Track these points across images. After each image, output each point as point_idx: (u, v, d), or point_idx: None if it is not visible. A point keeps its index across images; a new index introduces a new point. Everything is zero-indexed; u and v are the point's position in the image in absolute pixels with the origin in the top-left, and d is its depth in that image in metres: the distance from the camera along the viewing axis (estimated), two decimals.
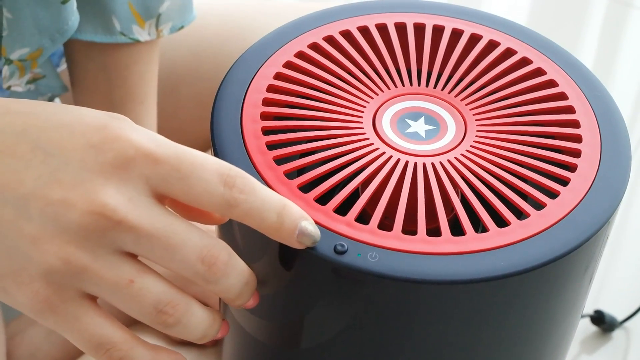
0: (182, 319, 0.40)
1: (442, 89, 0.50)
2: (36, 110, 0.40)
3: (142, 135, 0.40)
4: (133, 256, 0.40)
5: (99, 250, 0.39)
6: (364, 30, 0.52)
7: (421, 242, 0.42)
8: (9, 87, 0.66)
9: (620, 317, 1.02)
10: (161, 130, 0.79)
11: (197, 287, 0.43)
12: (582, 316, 1.01)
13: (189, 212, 0.43)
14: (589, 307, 1.03)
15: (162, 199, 0.40)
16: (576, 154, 0.47)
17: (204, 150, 0.83)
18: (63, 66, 0.77)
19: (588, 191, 0.45)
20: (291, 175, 0.46)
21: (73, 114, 0.40)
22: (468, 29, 0.52)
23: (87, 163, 0.39)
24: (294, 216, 0.41)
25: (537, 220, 0.43)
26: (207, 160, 0.40)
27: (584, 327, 1.02)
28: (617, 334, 1.03)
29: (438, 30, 0.53)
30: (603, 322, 1.01)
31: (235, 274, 0.41)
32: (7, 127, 0.40)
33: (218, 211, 0.40)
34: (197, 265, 0.39)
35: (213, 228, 0.49)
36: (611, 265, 1.11)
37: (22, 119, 0.40)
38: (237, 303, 0.42)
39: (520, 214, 0.44)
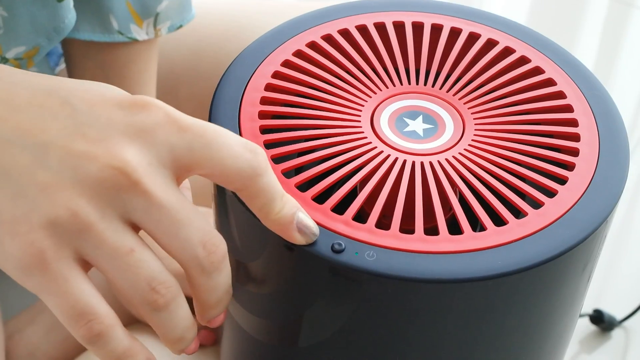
0: (170, 304, 0.39)
1: (440, 88, 0.50)
2: (65, 79, 0.40)
3: (169, 106, 0.40)
4: (137, 230, 0.39)
5: (108, 211, 0.38)
6: (363, 29, 0.52)
7: (419, 241, 0.42)
8: None
9: (619, 316, 1.02)
10: None
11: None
12: (582, 315, 1.01)
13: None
14: (588, 307, 1.03)
15: (179, 178, 0.40)
16: (574, 152, 0.47)
17: None
18: (61, 66, 0.77)
19: (586, 190, 0.45)
20: (289, 174, 0.46)
21: (102, 85, 0.40)
22: (467, 28, 0.52)
23: (115, 122, 0.39)
24: (292, 203, 0.41)
25: (535, 219, 0.43)
26: (228, 131, 0.40)
27: (583, 326, 1.02)
28: (616, 333, 1.03)
29: (436, 29, 0.53)
30: (602, 322, 1.01)
31: (225, 273, 0.40)
32: (39, 84, 0.39)
33: (242, 178, 0.39)
34: (198, 248, 0.39)
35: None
36: (610, 264, 1.11)
37: (53, 82, 0.40)
38: (211, 312, 0.41)
39: (518, 213, 0.44)
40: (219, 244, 0.40)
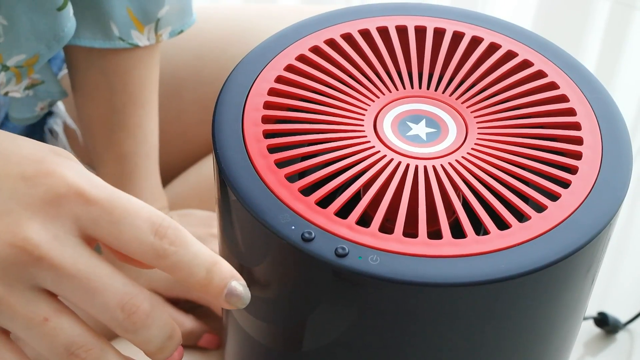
0: None
1: (443, 92, 0.50)
2: None
3: (78, 174, 0.39)
4: (53, 295, 0.39)
5: (17, 284, 0.38)
6: (365, 34, 0.52)
7: (422, 244, 0.42)
8: (6, 93, 0.66)
9: (624, 319, 1.02)
10: (164, 134, 0.79)
11: (196, 293, 0.42)
12: (586, 318, 1.01)
13: (122, 255, 0.41)
14: (592, 309, 1.02)
15: (91, 240, 0.39)
16: (577, 156, 0.47)
17: (205, 153, 0.83)
18: (64, 71, 0.77)
19: (589, 193, 0.45)
20: (292, 178, 0.46)
21: (13, 143, 0.39)
22: (469, 32, 0.52)
23: (17, 194, 0.38)
24: (224, 274, 0.40)
25: (538, 223, 0.43)
26: (141, 207, 0.39)
27: (588, 329, 1.02)
28: (620, 335, 1.02)
29: (439, 33, 0.53)
30: (607, 324, 1.01)
31: (156, 326, 0.39)
32: None
33: (146, 260, 0.39)
34: (116, 312, 0.39)
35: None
36: (615, 267, 1.11)
37: None
38: (158, 357, 0.41)
39: (521, 217, 0.44)
40: (140, 303, 0.39)
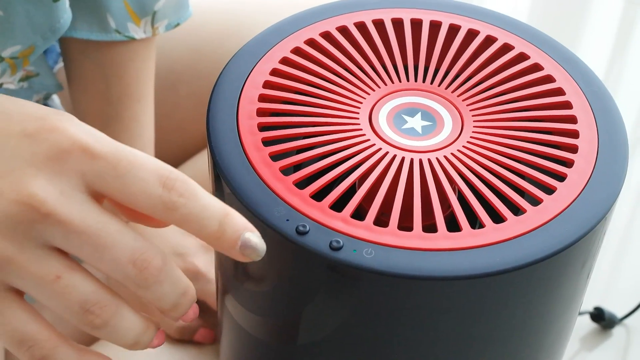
0: (110, 321, 0.38)
1: (439, 85, 0.50)
2: None
3: (81, 128, 0.38)
4: (63, 252, 0.39)
5: (26, 243, 0.37)
6: (361, 26, 0.52)
7: (417, 238, 0.42)
8: (0, 85, 0.66)
9: (620, 314, 1.02)
10: (160, 128, 0.79)
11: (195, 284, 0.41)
12: (582, 313, 1.01)
13: (131, 213, 0.41)
14: (588, 304, 1.02)
15: (99, 197, 0.39)
16: (573, 149, 0.47)
17: (201, 148, 0.83)
18: (60, 64, 0.77)
19: (585, 187, 0.45)
20: (287, 171, 0.45)
21: (14, 103, 0.39)
22: (465, 25, 0.52)
23: (20, 152, 0.37)
24: (237, 226, 0.39)
25: (533, 216, 0.43)
26: (146, 160, 0.38)
27: (584, 324, 1.02)
28: (617, 331, 1.02)
29: (435, 26, 0.52)
30: (603, 319, 1.01)
31: (169, 281, 0.39)
32: None
33: (155, 213, 0.38)
34: (127, 268, 0.38)
35: None
36: (611, 262, 1.11)
37: None
38: (173, 314, 0.40)
39: (516, 210, 0.44)
40: (152, 258, 0.38)
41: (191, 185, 0.38)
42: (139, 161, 0.38)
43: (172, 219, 0.38)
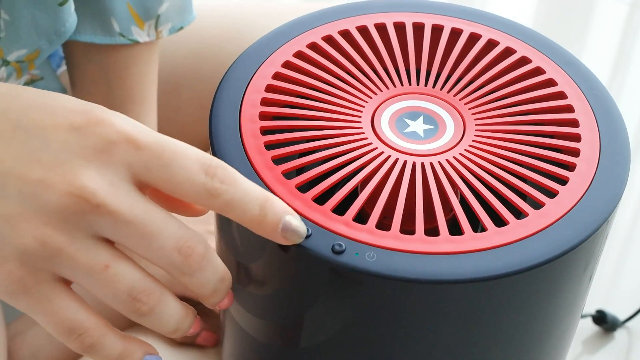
0: (155, 308, 0.40)
1: (441, 89, 0.50)
2: (19, 92, 0.40)
3: (125, 121, 0.39)
4: (110, 242, 0.40)
5: (76, 233, 0.38)
6: (363, 30, 0.52)
7: (419, 241, 0.42)
8: None
9: (622, 316, 1.02)
10: (161, 132, 0.79)
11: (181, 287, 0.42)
12: (584, 316, 1.01)
13: (170, 202, 0.42)
14: (590, 307, 1.02)
15: (143, 187, 0.40)
16: (575, 153, 0.47)
17: (204, 151, 0.83)
18: (63, 68, 0.77)
19: (587, 190, 0.45)
20: (289, 175, 0.46)
21: (54, 98, 0.40)
22: (467, 29, 0.52)
23: (69, 145, 0.38)
24: (278, 210, 0.40)
25: (535, 220, 0.43)
26: (189, 149, 0.40)
27: (586, 327, 1.02)
28: (619, 333, 1.02)
29: (437, 30, 0.53)
30: (605, 322, 1.01)
31: (211, 268, 0.40)
32: None
33: (198, 201, 0.39)
34: (173, 255, 0.39)
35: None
36: (613, 265, 1.11)
37: (4, 99, 0.39)
38: (211, 301, 0.41)
39: (518, 214, 0.44)
40: (196, 245, 0.39)
41: (231, 171, 0.40)
42: (181, 150, 0.39)
43: (215, 205, 0.39)
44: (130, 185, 0.39)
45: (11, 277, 0.38)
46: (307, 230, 0.41)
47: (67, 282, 0.40)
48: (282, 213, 0.40)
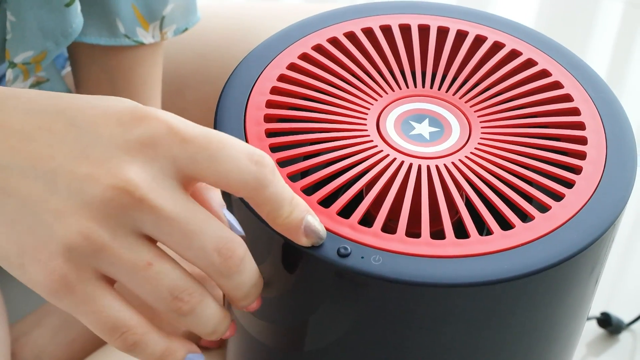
0: (196, 308, 0.40)
1: (447, 91, 0.50)
2: (75, 97, 0.41)
3: (170, 116, 0.40)
4: (152, 241, 0.40)
5: (119, 230, 0.38)
6: (368, 32, 0.52)
7: (425, 245, 0.42)
8: None
9: (627, 319, 1.02)
10: None
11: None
12: (589, 318, 1.01)
13: None
14: (595, 309, 1.02)
15: (187, 185, 0.40)
16: (581, 156, 0.46)
17: None
18: (67, 69, 0.77)
19: (593, 193, 0.44)
20: (295, 177, 0.45)
21: (110, 100, 0.40)
22: (473, 31, 0.52)
23: (116, 140, 0.39)
24: (302, 207, 0.41)
25: (541, 223, 0.43)
26: (235, 140, 0.40)
27: (591, 330, 1.02)
28: (623, 336, 1.02)
29: (443, 32, 0.52)
30: (610, 325, 1.01)
31: (247, 272, 0.40)
32: (50, 107, 0.40)
33: (247, 190, 0.39)
34: (213, 256, 0.39)
35: None
36: (618, 267, 1.11)
37: (65, 101, 0.40)
38: (242, 304, 0.42)
39: (524, 217, 0.44)
40: (236, 248, 0.40)
41: (274, 163, 0.40)
42: (229, 141, 0.39)
43: (260, 196, 0.40)
44: (174, 181, 0.39)
45: (54, 275, 0.38)
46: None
47: (110, 281, 0.40)
48: (305, 212, 0.41)
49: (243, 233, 0.42)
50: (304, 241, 0.41)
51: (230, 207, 0.45)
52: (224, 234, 0.39)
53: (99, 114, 0.39)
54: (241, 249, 0.40)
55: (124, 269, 0.39)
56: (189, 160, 0.39)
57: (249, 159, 0.39)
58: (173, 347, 0.41)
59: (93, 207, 0.38)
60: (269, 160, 0.40)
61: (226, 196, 0.45)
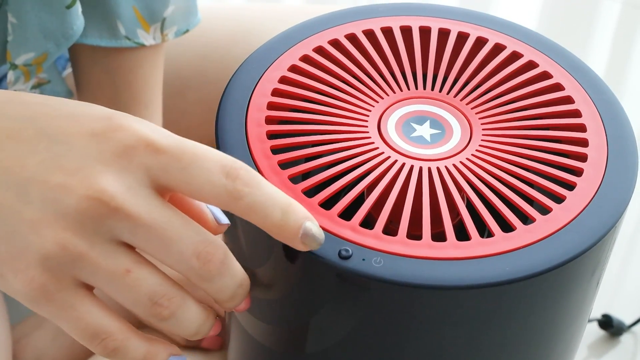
0: (176, 312, 0.40)
1: (448, 93, 0.50)
2: (47, 102, 0.41)
3: (145, 125, 0.40)
4: (131, 247, 0.40)
5: (96, 238, 0.38)
6: (370, 34, 0.52)
7: (426, 247, 0.42)
8: None
9: (628, 321, 1.02)
10: None
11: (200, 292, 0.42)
12: (590, 320, 1.01)
13: (188, 214, 0.42)
14: (596, 311, 1.02)
15: (163, 192, 0.40)
16: (582, 158, 0.46)
17: None
18: (68, 70, 0.77)
19: (594, 196, 0.44)
20: (296, 179, 0.45)
21: (82, 107, 0.40)
22: (474, 32, 0.52)
23: (89, 150, 0.39)
24: (299, 215, 0.40)
25: (543, 225, 0.43)
26: (209, 151, 0.39)
27: (592, 331, 1.02)
28: (625, 338, 1.02)
29: (444, 34, 0.52)
30: (611, 326, 1.01)
31: (229, 274, 0.40)
32: (18, 114, 0.40)
33: (220, 203, 0.39)
34: (192, 261, 0.39)
35: None
36: (619, 269, 1.11)
37: (32, 108, 0.40)
38: (228, 305, 0.41)
39: (526, 219, 0.44)
40: (215, 251, 0.39)
41: (255, 174, 0.39)
42: (202, 152, 0.39)
43: (237, 208, 0.39)
44: (149, 190, 0.39)
45: (33, 284, 0.38)
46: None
47: (89, 287, 0.40)
48: (302, 219, 0.40)
49: (228, 222, 0.42)
50: (301, 247, 0.41)
51: None
52: (203, 238, 0.39)
53: (71, 124, 0.39)
54: (220, 252, 0.40)
55: (102, 276, 0.39)
56: (161, 171, 0.39)
57: (221, 171, 0.39)
58: (154, 350, 0.41)
59: (69, 217, 0.38)
60: (244, 172, 0.39)
61: None
